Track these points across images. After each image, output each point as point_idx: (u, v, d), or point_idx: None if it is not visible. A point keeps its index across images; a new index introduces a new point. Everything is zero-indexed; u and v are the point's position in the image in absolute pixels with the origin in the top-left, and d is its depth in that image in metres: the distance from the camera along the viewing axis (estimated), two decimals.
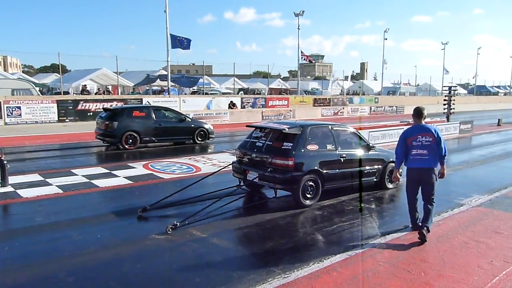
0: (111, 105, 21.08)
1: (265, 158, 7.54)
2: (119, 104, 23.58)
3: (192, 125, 15.65)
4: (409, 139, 5.95)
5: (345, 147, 8.07)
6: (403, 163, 6.18)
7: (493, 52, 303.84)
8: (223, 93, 37.03)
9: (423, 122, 6.01)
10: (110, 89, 35.01)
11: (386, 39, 45.51)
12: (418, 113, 6.06)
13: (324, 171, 7.58)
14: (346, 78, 70.91)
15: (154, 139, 14.54)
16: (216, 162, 11.97)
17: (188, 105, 26.67)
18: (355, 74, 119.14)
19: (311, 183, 7.49)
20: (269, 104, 31.98)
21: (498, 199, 8.29)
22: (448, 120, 21.04)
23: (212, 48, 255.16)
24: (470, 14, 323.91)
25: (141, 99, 25.60)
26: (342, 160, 7.85)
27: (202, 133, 15.72)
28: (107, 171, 10.44)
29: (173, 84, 32.47)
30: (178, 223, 6.20)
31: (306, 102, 35.62)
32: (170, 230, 6.08)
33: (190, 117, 16.67)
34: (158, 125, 14.58)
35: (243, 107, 30.13)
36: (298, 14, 36.85)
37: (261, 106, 31.14)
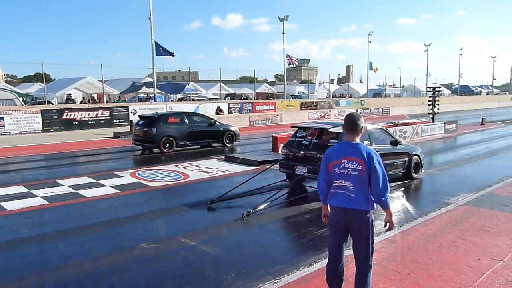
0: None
1: (313, 154, 8.57)
2: (105, 112, 23.51)
3: (221, 129, 16.70)
4: (331, 163, 3.76)
5: (378, 142, 9.17)
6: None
7: (475, 53, 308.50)
8: (210, 99, 36.99)
9: (356, 139, 3.77)
10: (96, 98, 34.73)
11: (370, 42, 46.02)
12: (350, 122, 3.79)
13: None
14: (332, 81, 71.34)
15: (188, 142, 15.61)
16: (204, 169, 11.93)
17: None
18: (341, 77, 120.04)
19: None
20: (256, 109, 32.02)
21: (484, 197, 8.40)
22: (433, 121, 21.30)
23: (199, 54, 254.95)
24: (453, 16, 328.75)
25: (127, 107, 25.44)
26: (382, 152, 8.19)
27: (229, 135, 16.78)
28: (94, 180, 10.32)
29: (159, 91, 32.36)
30: (251, 210, 7.24)
31: (293, 106, 35.76)
32: (246, 216, 7.11)
33: (218, 121, 17.54)
34: (191, 129, 15.64)
35: (230, 112, 30.13)
36: (283, 19, 37.05)
37: (248, 111, 31.17)
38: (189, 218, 7.62)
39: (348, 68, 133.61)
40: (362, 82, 72.63)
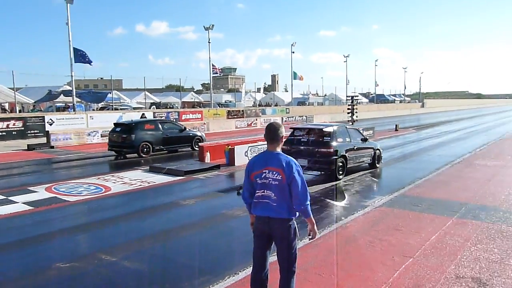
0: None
1: (311, 148, 10.74)
2: (18, 123, 21.94)
3: (190, 134, 18.17)
4: (253, 173, 3.81)
5: (354, 139, 11.78)
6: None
7: (390, 64, 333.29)
8: (134, 108, 35.89)
9: (277, 149, 3.80)
10: (7, 107, 32.16)
11: (293, 52, 47.69)
12: (270, 132, 3.81)
13: (347, 155, 11.12)
14: (258, 90, 72.62)
15: (163, 147, 16.73)
16: (127, 181, 11.49)
17: (96, 121, 25.40)
18: (267, 86, 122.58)
19: (341, 164, 10.92)
20: (183, 118, 31.61)
21: (398, 199, 8.99)
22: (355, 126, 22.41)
23: (123, 61, 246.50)
24: (370, 30, 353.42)
25: (43, 117, 23.85)
26: (355, 148, 11.62)
27: (197, 140, 17.99)
28: (3, 197, 9.49)
29: (79, 100, 30.72)
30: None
31: (220, 114, 35.84)
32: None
33: (187, 127, 18.92)
34: (166, 135, 16.85)
35: None
36: (208, 28, 37.18)
37: (174, 120, 30.65)
38: (110, 233, 7.29)
39: (273, 77, 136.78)
40: (287, 91, 74.84)
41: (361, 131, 13.18)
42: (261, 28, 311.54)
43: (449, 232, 6.64)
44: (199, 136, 18.54)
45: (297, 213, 3.78)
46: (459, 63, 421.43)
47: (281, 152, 3.81)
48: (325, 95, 69.98)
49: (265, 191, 3.73)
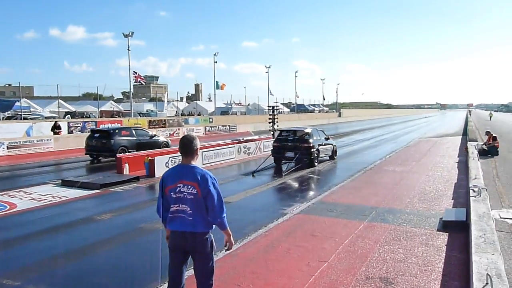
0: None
1: (296, 144, 15.04)
2: None
3: (159, 140, 19.78)
4: (167, 188, 3.74)
5: (322, 137, 16.14)
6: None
7: (309, 75, 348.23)
8: (47, 117, 33.53)
9: (192, 162, 3.76)
10: None
11: (216, 62, 47.77)
12: (184, 146, 3.78)
13: (319, 149, 15.53)
14: (181, 99, 71.66)
15: (136, 151, 16.92)
16: (36, 196, 10.66)
17: (2, 132, 23.26)
18: (190, 95, 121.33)
19: (316, 155, 15.23)
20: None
21: (315, 205, 9.34)
22: (274, 137, 22.94)
23: (34, 67, 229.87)
24: (290, 42, 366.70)
25: None
26: (323, 144, 15.94)
27: (164, 145, 19.48)
28: None
29: None
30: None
31: (140, 124, 34.67)
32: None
33: (156, 134, 20.67)
34: (139, 141, 18.31)
35: (70, 132, 27.72)
36: (128, 35, 36.00)
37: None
38: (15, 254, 6.69)
39: (197, 86, 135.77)
40: (211, 100, 74.69)
41: (325, 132, 17.39)
42: (185, 37, 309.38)
43: (360, 235, 7.03)
44: (166, 142, 20.13)
45: (213, 226, 3.74)
46: (372, 76, 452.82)
47: (196, 165, 3.75)
48: (248, 104, 70.88)
49: (180, 205, 3.67)
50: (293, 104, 78.28)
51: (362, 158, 18.87)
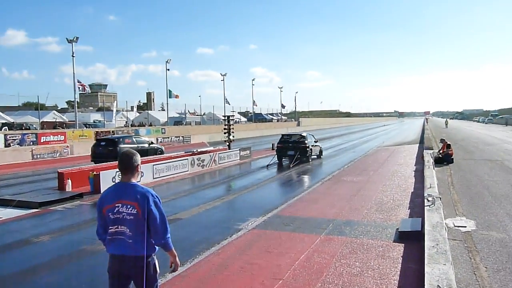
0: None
1: (295, 145, 20.28)
2: None
3: (155, 147, 22.68)
4: (104, 208, 3.60)
5: (312, 140, 21.20)
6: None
7: (267, 83, 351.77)
8: None
9: (132, 180, 3.63)
10: None
11: (168, 69, 47.39)
12: (123, 162, 3.65)
13: (312, 148, 20.82)
14: (131, 108, 70.28)
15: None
16: None
17: None
18: (141, 104, 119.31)
19: (310, 153, 20.47)
20: (42, 141, 28.94)
21: (271, 220, 9.36)
22: (229, 148, 22.98)
23: None
24: (247, 49, 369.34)
25: None
26: (314, 145, 21.20)
27: (159, 152, 22.08)
28: None
29: None
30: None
31: (87, 136, 33.68)
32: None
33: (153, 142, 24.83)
34: (139, 148, 19.93)
35: (7, 145, 26.44)
36: (72, 40, 34.98)
37: (31, 143, 27.89)
38: None
39: (149, 95, 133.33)
40: (164, 110, 73.80)
41: (314, 137, 23.16)
42: (136, 43, 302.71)
43: (317, 249, 7.10)
44: (161, 148, 22.98)
45: (156, 248, 3.62)
46: (331, 84, 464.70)
47: (137, 183, 3.62)
48: (204, 114, 70.63)
49: (119, 227, 3.51)
50: (250, 113, 78.66)
51: (320, 168, 19.20)
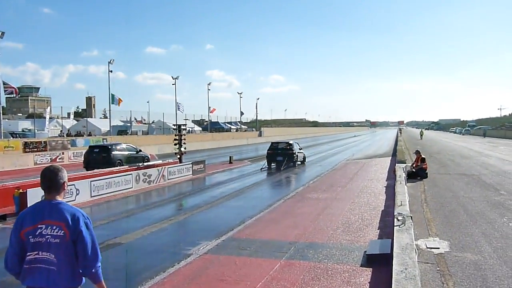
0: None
1: (284, 151, 26.30)
2: None
3: (143, 155, 25.90)
4: (23, 230, 3.36)
5: (298, 147, 27.64)
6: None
7: (225, 88, 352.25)
8: None
9: (58, 198, 3.48)
10: None
11: (112, 71, 46.52)
12: (46, 179, 3.49)
13: (298, 155, 27.25)
14: (68, 115, 68.67)
15: (127, 164, 22.42)
16: None
17: None
18: (80, 110, 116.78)
19: (295, 159, 26.80)
20: None
21: (225, 243, 9.32)
22: (180, 161, 22.77)
23: None
24: (203, 49, 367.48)
25: None
26: (299, 152, 27.77)
27: (146, 159, 25.38)
28: None
29: None
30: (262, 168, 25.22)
31: (13, 147, 32.54)
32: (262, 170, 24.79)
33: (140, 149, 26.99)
34: (130, 155, 24.28)
35: None
36: None
37: None
38: None
39: (89, 100, 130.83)
40: (106, 117, 72.44)
41: (299, 144, 28.98)
42: (74, 40, 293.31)
43: (276, 276, 7.11)
44: (148, 156, 26.52)
45: (84, 279, 3.45)
46: (296, 91, 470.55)
47: (63, 202, 3.46)
48: (152, 122, 69.98)
49: (40, 253, 3.30)
50: (206, 121, 78.58)
51: (282, 185, 19.33)
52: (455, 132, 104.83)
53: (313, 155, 38.77)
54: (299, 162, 27.92)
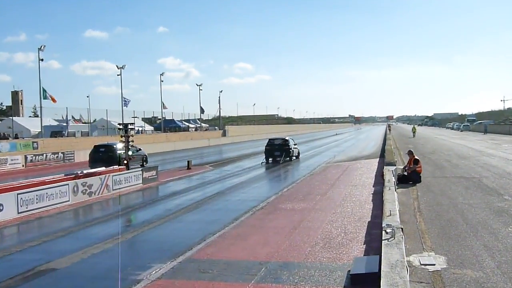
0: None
1: (281, 146, 34.69)
2: None
3: (142, 153, 32.53)
4: None
5: (293, 143, 36.43)
6: None
7: (181, 79, 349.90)
8: None
9: None
10: None
11: (42, 59, 45.49)
12: None
13: (293, 150, 35.94)
14: None
15: (131, 162, 25.42)
16: None
17: None
18: (4, 108, 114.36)
19: (291, 153, 35.36)
20: None
21: (182, 265, 9.29)
22: (128, 168, 22.51)
23: None
24: (154, 33, 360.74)
25: None
26: (294, 147, 36.59)
27: (144, 158, 33.24)
28: None
29: None
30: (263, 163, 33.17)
31: None
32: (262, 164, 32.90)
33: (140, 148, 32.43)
34: (133, 154, 25.67)
35: None
36: None
37: None
38: None
39: (15, 95, 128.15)
40: (37, 116, 71.15)
41: (294, 140, 37.40)
42: None
43: None
44: (146, 154, 34.16)
45: None
46: (267, 81, 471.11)
47: None
48: (94, 121, 68.99)
49: None
50: (159, 119, 78.01)
51: (251, 193, 19.38)
52: (452, 128, 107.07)
53: None
54: (295, 157, 36.11)
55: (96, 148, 32.03)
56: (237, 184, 22.64)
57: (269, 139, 36.71)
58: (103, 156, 29.65)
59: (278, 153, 33.88)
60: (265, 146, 35.28)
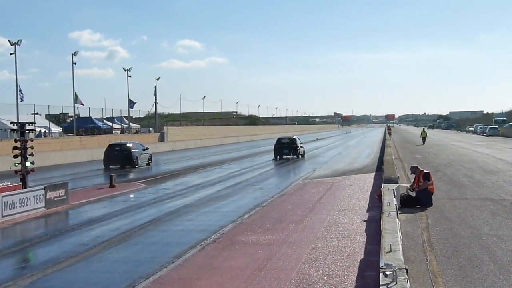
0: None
1: (290, 145, 58.72)
2: None
3: (148, 153, 49.47)
4: None
5: (300, 142, 61.97)
6: None
7: (103, 61, 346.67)
8: None
9: None
10: None
11: None
12: None
13: (300, 148, 59.96)
14: None
15: (141, 161, 46.92)
16: None
17: None
18: None
19: (299, 151, 58.39)
20: None
21: None
22: (25, 185, 22.09)
23: None
24: None
25: None
26: (301, 146, 61.06)
27: (150, 157, 50.00)
28: None
29: None
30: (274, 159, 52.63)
31: None
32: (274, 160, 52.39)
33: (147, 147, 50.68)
34: (142, 152, 47.47)
35: None
36: None
37: None
38: None
39: None
40: None
41: (300, 139, 61.50)
42: None
43: None
44: (150, 153, 49.33)
45: None
46: (223, 63, 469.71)
47: None
48: None
49: None
50: (70, 117, 77.09)
51: (199, 220, 19.30)
52: (474, 132, 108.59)
53: (248, 171, 39.11)
54: (301, 156, 53.60)
55: (112, 147, 44.21)
56: (179, 208, 22.54)
57: (278, 139, 56.45)
58: (118, 155, 41.92)
59: (287, 151, 51.91)
60: (274, 145, 53.48)
